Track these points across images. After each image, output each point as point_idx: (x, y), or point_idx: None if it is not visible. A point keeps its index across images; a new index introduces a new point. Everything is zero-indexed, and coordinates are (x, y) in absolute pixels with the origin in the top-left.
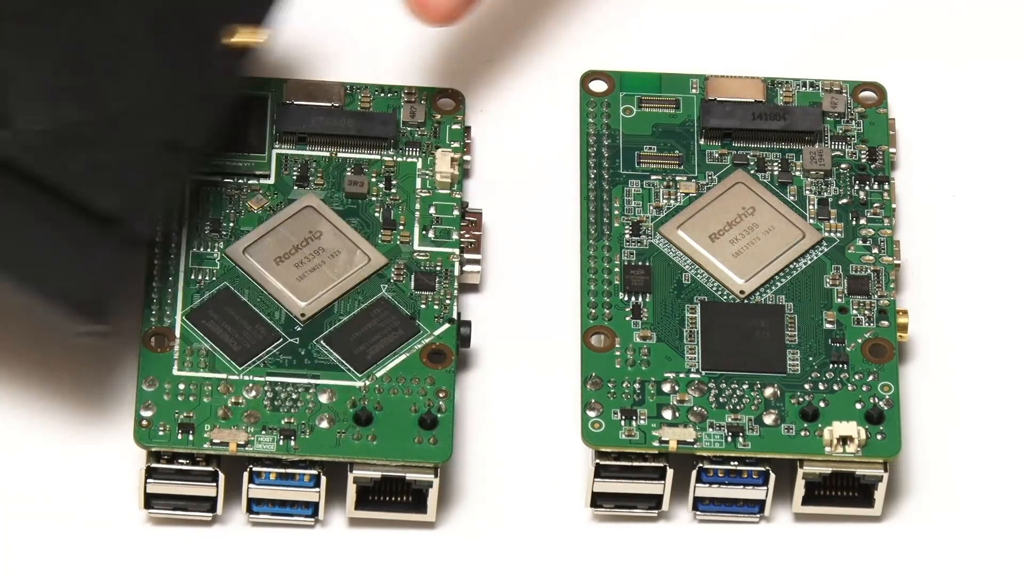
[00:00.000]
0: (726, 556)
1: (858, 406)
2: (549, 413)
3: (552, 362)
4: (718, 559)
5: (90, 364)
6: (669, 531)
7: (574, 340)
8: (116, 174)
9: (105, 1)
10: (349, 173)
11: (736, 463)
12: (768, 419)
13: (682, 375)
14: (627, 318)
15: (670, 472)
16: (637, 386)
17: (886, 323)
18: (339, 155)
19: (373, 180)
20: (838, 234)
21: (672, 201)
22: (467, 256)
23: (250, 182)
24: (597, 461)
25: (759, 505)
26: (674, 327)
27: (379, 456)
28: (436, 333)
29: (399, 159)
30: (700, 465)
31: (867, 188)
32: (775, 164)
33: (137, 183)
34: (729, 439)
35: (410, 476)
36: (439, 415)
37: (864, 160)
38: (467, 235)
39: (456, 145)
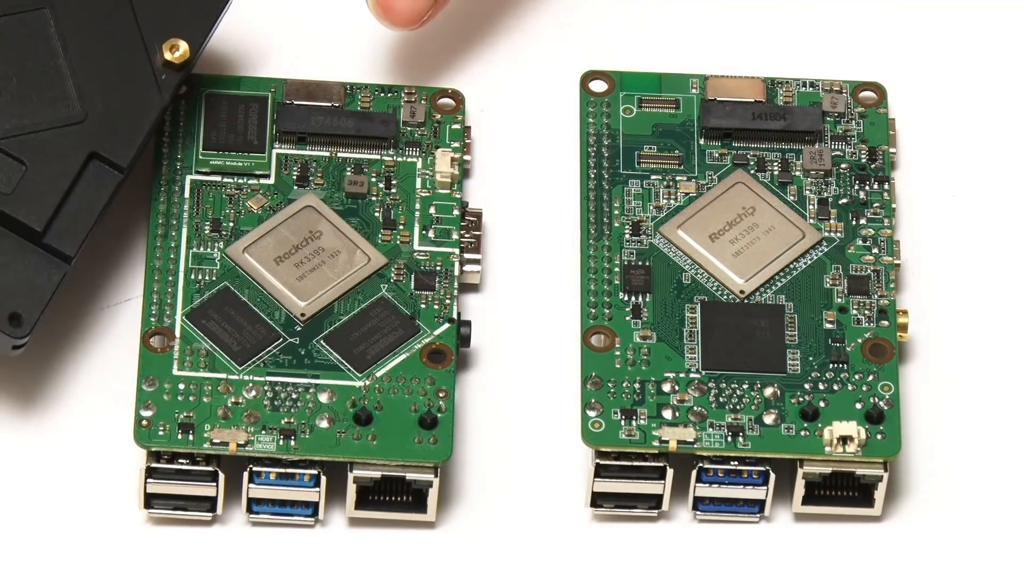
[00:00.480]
0: (726, 556)
1: (858, 406)
2: (549, 413)
3: (552, 362)
4: (718, 559)
5: (90, 364)
6: (669, 531)
7: (574, 340)
8: (41, 188)
9: (36, 13)
10: (349, 173)
11: (736, 463)
12: (768, 419)
13: (682, 375)
14: (627, 318)
15: (670, 472)
16: (637, 386)
17: (886, 323)
18: (339, 155)
19: (373, 180)
20: (838, 234)
21: (672, 201)
22: (467, 256)
23: (250, 182)
24: (597, 461)
25: (759, 505)
26: (674, 327)
27: (379, 456)
28: (436, 333)
29: (399, 159)
30: (700, 465)
31: (867, 188)
32: (775, 164)
33: (62, 198)
34: (729, 439)
35: (410, 476)
36: (439, 415)
37: (864, 160)
38: (467, 235)
39: (456, 145)
